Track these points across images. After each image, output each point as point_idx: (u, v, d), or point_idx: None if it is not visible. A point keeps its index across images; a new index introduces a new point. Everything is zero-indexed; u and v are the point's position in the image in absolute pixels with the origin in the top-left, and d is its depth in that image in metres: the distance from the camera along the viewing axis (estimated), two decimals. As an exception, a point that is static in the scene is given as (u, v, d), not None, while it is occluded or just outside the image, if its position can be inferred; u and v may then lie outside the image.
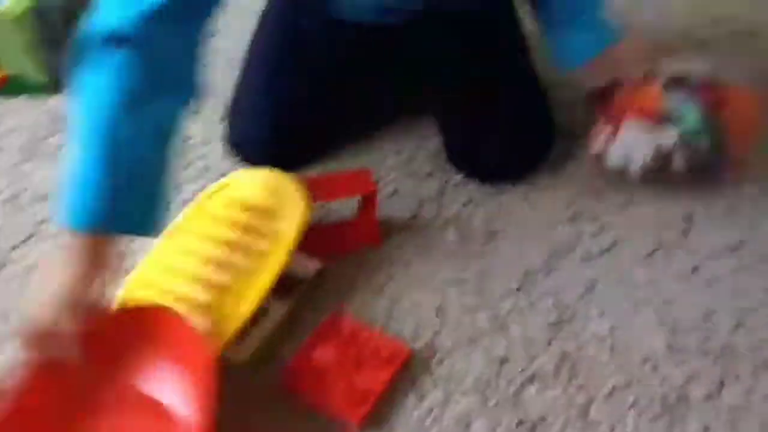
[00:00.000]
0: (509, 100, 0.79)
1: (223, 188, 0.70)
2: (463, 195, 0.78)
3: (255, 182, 0.68)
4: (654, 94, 0.71)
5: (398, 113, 0.88)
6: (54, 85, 0.96)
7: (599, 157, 0.74)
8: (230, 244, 0.64)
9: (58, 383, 0.53)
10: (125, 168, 0.53)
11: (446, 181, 0.79)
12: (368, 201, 0.71)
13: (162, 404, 0.56)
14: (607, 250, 0.71)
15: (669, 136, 0.70)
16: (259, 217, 0.65)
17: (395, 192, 0.78)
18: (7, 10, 0.90)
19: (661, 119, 0.70)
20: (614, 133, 0.72)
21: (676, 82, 0.72)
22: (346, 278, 0.69)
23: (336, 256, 0.70)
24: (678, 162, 0.71)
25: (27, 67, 0.94)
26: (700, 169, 0.72)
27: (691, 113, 0.70)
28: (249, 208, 0.66)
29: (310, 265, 0.69)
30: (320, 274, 0.69)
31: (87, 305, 0.52)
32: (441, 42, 0.78)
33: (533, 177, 0.80)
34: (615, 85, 0.74)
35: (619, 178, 0.74)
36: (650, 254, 0.71)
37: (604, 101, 0.75)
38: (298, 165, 0.80)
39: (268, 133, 0.78)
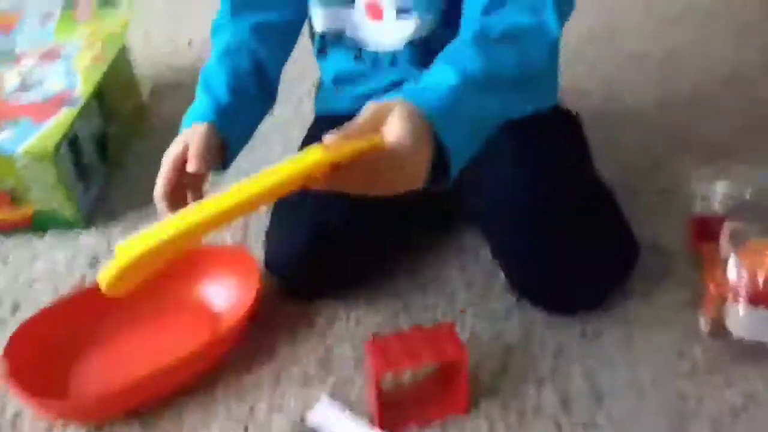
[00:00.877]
0: (574, 214, 0.68)
1: None
2: (552, 341, 0.67)
3: None
4: None
5: (451, 228, 0.79)
6: (84, 220, 0.89)
7: (715, 327, 0.64)
8: None
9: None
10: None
11: (530, 323, 0.69)
12: (455, 367, 0.60)
13: (211, 308, 0.73)
14: (741, 410, 0.60)
15: None
16: None
17: (474, 337, 0.67)
18: (36, 147, 0.84)
19: None
20: (735, 299, 0.62)
21: None
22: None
23: (415, 427, 0.59)
24: None
25: (56, 202, 0.88)
26: None
27: None
28: None
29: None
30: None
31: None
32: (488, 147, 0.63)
33: (627, 311, 0.69)
34: (725, 217, 0.65)
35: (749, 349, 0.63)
36: (795, 416, 0.59)
37: (708, 239, 0.66)
38: (342, 286, 0.73)
39: (304, 246, 0.70)
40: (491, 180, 0.69)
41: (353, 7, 0.70)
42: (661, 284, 0.71)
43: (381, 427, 0.59)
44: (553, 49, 0.62)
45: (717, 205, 0.71)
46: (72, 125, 0.88)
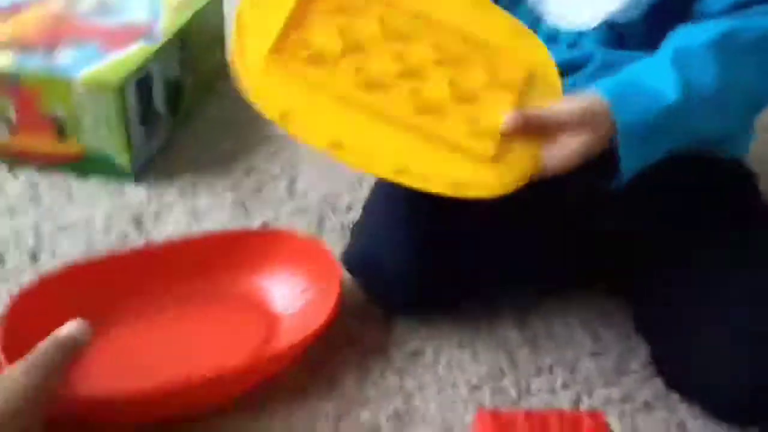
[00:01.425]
0: (744, 292, 0.51)
1: None
2: None
3: None
4: None
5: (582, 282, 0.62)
6: (134, 172, 0.76)
7: None
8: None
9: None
10: None
11: (679, 421, 0.51)
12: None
13: (269, 307, 0.57)
14: None
15: None
16: None
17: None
18: (101, 75, 0.71)
19: None
20: None
21: None
22: None
23: None
24: None
25: (110, 144, 0.74)
26: None
27: None
28: None
29: None
30: None
31: None
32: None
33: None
34: None
35: None
36: None
37: None
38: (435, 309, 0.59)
39: (407, 263, 0.55)
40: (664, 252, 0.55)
41: None
42: None
43: None
44: None
45: None
46: (146, 62, 0.75)
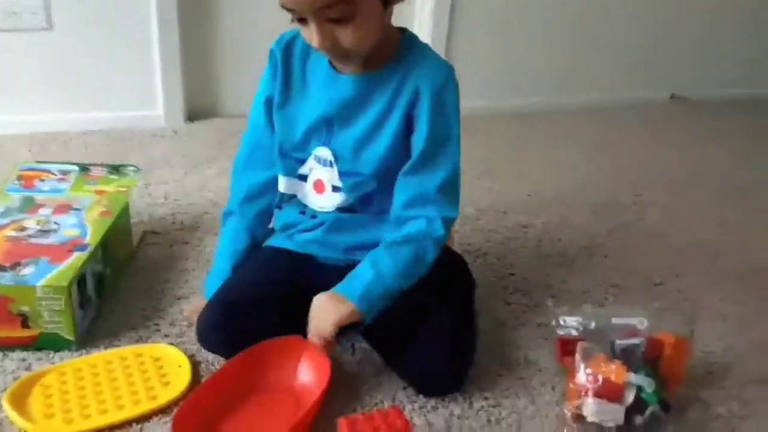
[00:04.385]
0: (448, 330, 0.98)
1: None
2: (462, 426, 0.93)
3: None
4: (618, 372, 0.90)
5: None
6: (77, 343, 1.06)
7: (576, 415, 0.92)
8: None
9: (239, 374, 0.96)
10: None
11: (450, 414, 0.95)
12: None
13: (294, 387, 0.96)
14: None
15: (630, 400, 0.90)
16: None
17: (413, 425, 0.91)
18: (54, 280, 1.03)
19: (625, 390, 0.90)
20: (587, 395, 0.90)
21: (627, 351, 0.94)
22: None
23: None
24: (638, 421, 0.90)
25: (59, 327, 1.05)
26: (654, 426, 0.91)
27: (646, 384, 0.90)
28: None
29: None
30: None
31: None
32: None
33: (516, 406, 0.96)
34: (579, 339, 0.96)
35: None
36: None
37: (569, 354, 0.96)
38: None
39: (219, 314, 1.00)
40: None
41: (305, 182, 1.03)
42: (540, 389, 1.00)
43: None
44: (439, 243, 0.98)
45: (574, 331, 1.01)
46: (83, 266, 1.08)
